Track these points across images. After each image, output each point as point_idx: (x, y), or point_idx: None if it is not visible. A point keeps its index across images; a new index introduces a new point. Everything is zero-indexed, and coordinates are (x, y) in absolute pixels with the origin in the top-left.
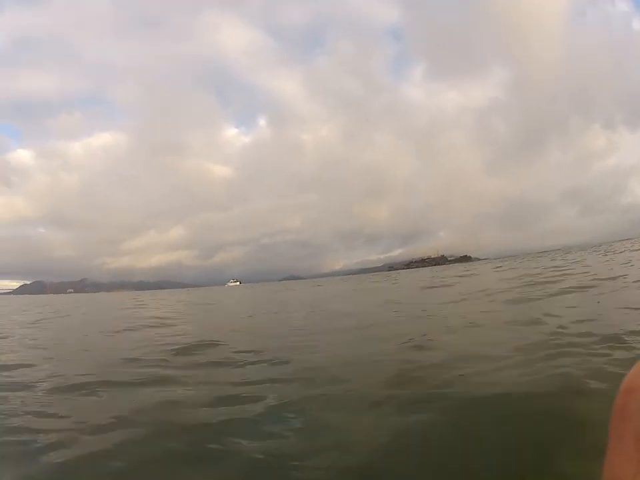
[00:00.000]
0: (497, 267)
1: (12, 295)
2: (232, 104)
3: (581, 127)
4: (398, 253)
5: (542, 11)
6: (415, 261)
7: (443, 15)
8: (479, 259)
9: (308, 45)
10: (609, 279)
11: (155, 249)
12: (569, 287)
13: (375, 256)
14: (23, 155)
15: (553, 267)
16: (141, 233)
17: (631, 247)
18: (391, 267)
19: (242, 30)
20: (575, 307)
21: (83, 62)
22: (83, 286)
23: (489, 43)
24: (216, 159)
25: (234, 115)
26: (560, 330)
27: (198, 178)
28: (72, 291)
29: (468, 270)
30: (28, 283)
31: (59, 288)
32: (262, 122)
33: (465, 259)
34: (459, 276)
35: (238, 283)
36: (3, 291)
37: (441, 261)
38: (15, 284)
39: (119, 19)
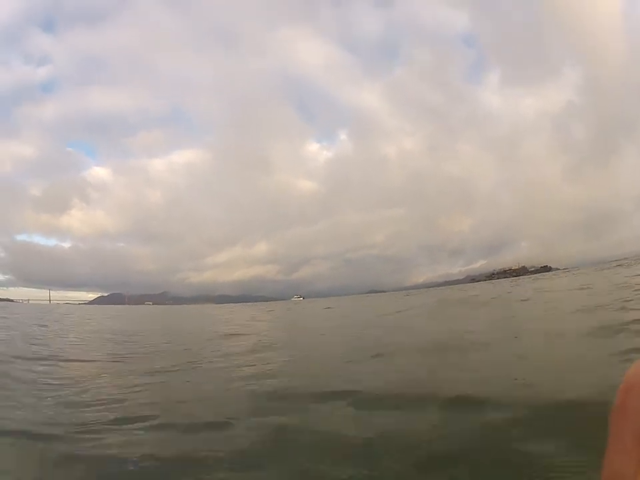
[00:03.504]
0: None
1: (90, 305)
2: (312, 118)
3: None
4: (479, 265)
5: (598, 6)
6: (496, 273)
7: (512, 17)
8: (559, 269)
9: (383, 57)
10: None
11: (239, 263)
12: None
13: (457, 269)
14: (100, 172)
15: None
16: (225, 247)
17: None
18: (473, 279)
19: (317, 44)
20: None
21: (159, 80)
22: (163, 299)
23: (557, 43)
24: (300, 173)
25: (315, 129)
26: None
27: (283, 193)
28: (150, 303)
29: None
30: (105, 294)
31: (139, 300)
32: (343, 136)
33: (545, 269)
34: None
35: (301, 298)
36: (77, 302)
37: (521, 271)
38: (91, 295)
39: (192, 36)
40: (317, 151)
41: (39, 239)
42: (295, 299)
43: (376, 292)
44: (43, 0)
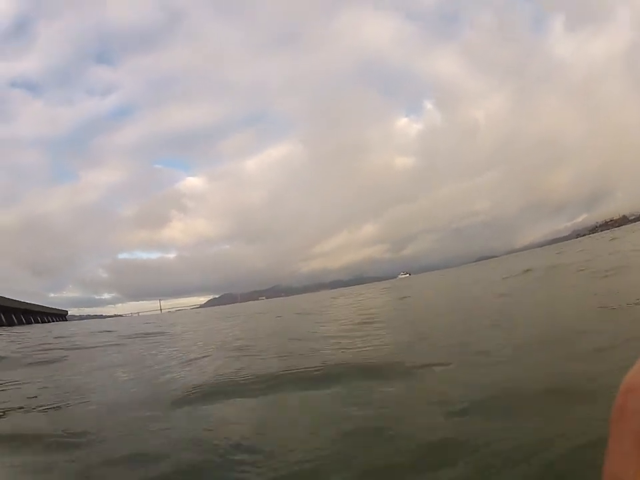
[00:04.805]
0: None
1: (203, 308)
2: (396, 94)
3: None
4: (582, 219)
5: None
6: (599, 225)
7: None
8: None
9: (448, 22)
10: None
11: (347, 248)
12: None
13: (562, 224)
14: (194, 182)
15: None
16: (332, 234)
17: None
18: (578, 234)
19: (383, 21)
20: None
21: (234, 87)
22: (274, 292)
23: None
24: (394, 150)
25: (400, 104)
26: None
27: (380, 172)
28: (263, 298)
29: None
30: (217, 296)
31: (250, 297)
32: (429, 106)
33: None
34: None
35: (408, 275)
36: (189, 307)
37: (623, 221)
38: (202, 299)
39: (256, 41)
40: (406, 125)
41: (141, 255)
42: (401, 276)
43: (486, 258)
44: (92, 37)
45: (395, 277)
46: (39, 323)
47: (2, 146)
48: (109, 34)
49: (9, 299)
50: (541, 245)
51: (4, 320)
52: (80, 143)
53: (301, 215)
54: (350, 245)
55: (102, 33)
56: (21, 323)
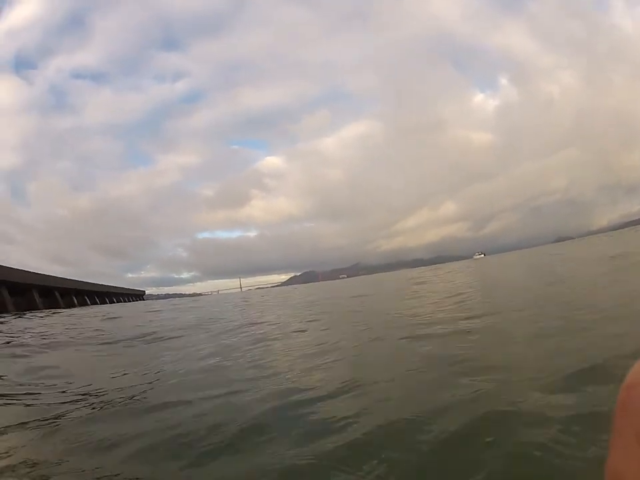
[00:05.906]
0: None
1: (283, 287)
2: (470, 70)
3: None
4: None
5: None
6: None
7: None
8: None
9: None
10: None
11: (428, 226)
12: None
13: (636, 207)
14: (274, 161)
15: None
16: (413, 212)
17: None
18: None
19: None
20: None
21: (308, 67)
22: (355, 270)
23: None
24: (472, 126)
25: (475, 80)
26: None
27: (460, 149)
28: (345, 276)
29: None
30: (298, 274)
31: (331, 275)
32: (504, 81)
33: None
34: None
35: (482, 255)
36: (270, 285)
37: None
38: (283, 277)
39: (325, 20)
40: (482, 101)
41: (222, 234)
42: (476, 256)
43: (563, 240)
44: (156, 24)
45: (471, 257)
46: (114, 303)
47: (71, 136)
48: (174, 21)
49: (76, 280)
50: (617, 227)
51: (76, 302)
52: (153, 128)
53: (381, 192)
54: (431, 222)
55: (166, 20)
56: (94, 304)
